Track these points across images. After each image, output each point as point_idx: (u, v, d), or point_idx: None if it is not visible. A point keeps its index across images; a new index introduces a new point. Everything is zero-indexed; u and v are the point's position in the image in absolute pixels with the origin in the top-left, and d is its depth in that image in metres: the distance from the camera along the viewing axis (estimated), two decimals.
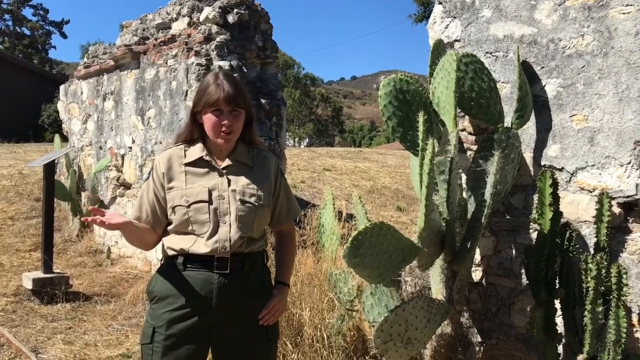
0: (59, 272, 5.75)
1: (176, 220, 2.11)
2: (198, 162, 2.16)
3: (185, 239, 2.11)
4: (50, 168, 5.93)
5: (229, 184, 2.13)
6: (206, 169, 2.15)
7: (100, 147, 7.96)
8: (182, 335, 2.07)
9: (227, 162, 2.17)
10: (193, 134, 2.20)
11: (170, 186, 2.14)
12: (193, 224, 2.09)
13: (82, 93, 8.60)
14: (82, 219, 2.00)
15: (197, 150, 2.17)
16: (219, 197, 2.11)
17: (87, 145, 8.40)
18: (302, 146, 42.36)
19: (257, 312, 2.15)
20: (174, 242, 2.13)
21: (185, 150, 2.19)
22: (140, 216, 2.17)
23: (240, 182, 2.15)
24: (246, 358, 2.14)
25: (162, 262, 2.21)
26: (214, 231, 2.09)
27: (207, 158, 2.16)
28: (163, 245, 2.19)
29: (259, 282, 2.19)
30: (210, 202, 2.10)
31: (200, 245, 2.08)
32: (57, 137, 8.81)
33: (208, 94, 2.10)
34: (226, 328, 2.11)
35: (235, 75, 5.92)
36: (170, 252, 2.14)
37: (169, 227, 2.15)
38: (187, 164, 2.16)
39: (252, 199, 2.13)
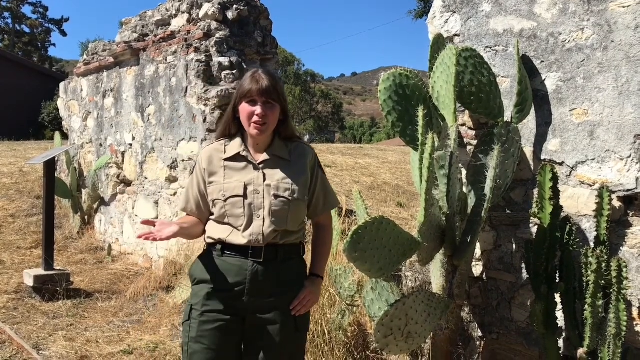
0: (60, 269, 5.75)
1: (216, 212, 2.24)
2: (236, 157, 2.26)
3: (223, 229, 2.22)
4: (50, 165, 5.93)
5: (265, 179, 2.22)
6: (244, 164, 2.25)
7: (101, 145, 7.96)
8: (216, 312, 2.18)
9: (264, 156, 2.25)
10: (230, 128, 2.30)
11: (211, 180, 2.25)
12: (229, 217, 2.20)
13: (82, 90, 8.59)
14: (137, 236, 2.11)
15: (235, 146, 2.27)
16: (254, 191, 2.20)
17: (87, 143, 8.40)
18: None
19: (287, 302, 2.23)
20: (213, 231, 2.25)
21: (225, 146, 2.29)
22: (186, 207, 2.32)
23: (276, 176, 2.23)
24: (275, 347, 2.20)
25: (204, 249, 2.33)
26: (248, 224, 2.18)
27: (244, 153, 2.25)
28: (205, 232, 2.32)
29: (293, 273, 2.27)
30: (245, 196, 2.20)
31: (237, 237, 2.19)
32: (57, 135, 8.81)
33: (244, 86, 2.20)
34: (257, 314, 2.20)
35: (235, 70, 5.91)
36: (210, 241, 2.26)
37: (211, 217, 2.27)
38: (226, 159, 2.26)
39: (286, 194, 2.20)
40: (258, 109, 2.16)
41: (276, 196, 2.19)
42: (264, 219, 2.18)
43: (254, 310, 2.19)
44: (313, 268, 2.39)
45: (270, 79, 2.19)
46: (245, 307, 2.19)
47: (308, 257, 2.40)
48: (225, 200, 2.20)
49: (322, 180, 2.36)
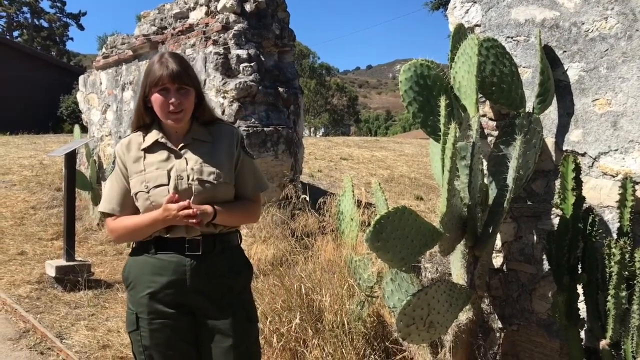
0: (80, 260, 5.83)
1: (140, 207, 2.12)
2: (154, 146, 2.14)
3: None
4: (71, 157, 6.00)
5: (187, 164, 2.11)
6: (163, 152, 2.14)
7: (120, 137, 8.04)
8: (165, 317, 2.09)
9: (184, 142, 2.15)
10: (144, 119, 2.17)
11: (132, 172, 2.14)
12: (155, 208, 2.07)
13: (101, 83, 8.68)
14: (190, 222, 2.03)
15: (153, 135, 2.16)
16: (177, 177, 2.09)
17: (106, 135, 8.49)
18: (317, 136, 42.34)
19: (235, 293, 2.15)
20: None
21: (143, 136, 2.17)
22: (109, 209, 2.18)
23: (199, 160, 2.12)
24: (232, 340, 2.11)
25: (134, 246, 2.22)
26: None
27: (163, 140, 2.14)
28: None
29: (233, 263, 2.18)
30: (169, 184, 2.09)
31: (176, 229, 2.08)
32: (76, 128, 8.90)
33: (152, 73, 2.06)
34: (205, 310, 2.11)
35: (253, 63, 5.93)
36: (145, 238, 2.14)
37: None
38: (144, 149, 2.14)
39: (211, 177, 2.10)
40: (172, 98, 2.03)
41: (201, 181, 2.08)
42: None
43: (201, 306, 2.10)
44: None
45: (180, 61, 2.06)
46: (190, 303, 2.10)
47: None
48: (148, 192, 2.08)
49: (250, 162, 2.25)
